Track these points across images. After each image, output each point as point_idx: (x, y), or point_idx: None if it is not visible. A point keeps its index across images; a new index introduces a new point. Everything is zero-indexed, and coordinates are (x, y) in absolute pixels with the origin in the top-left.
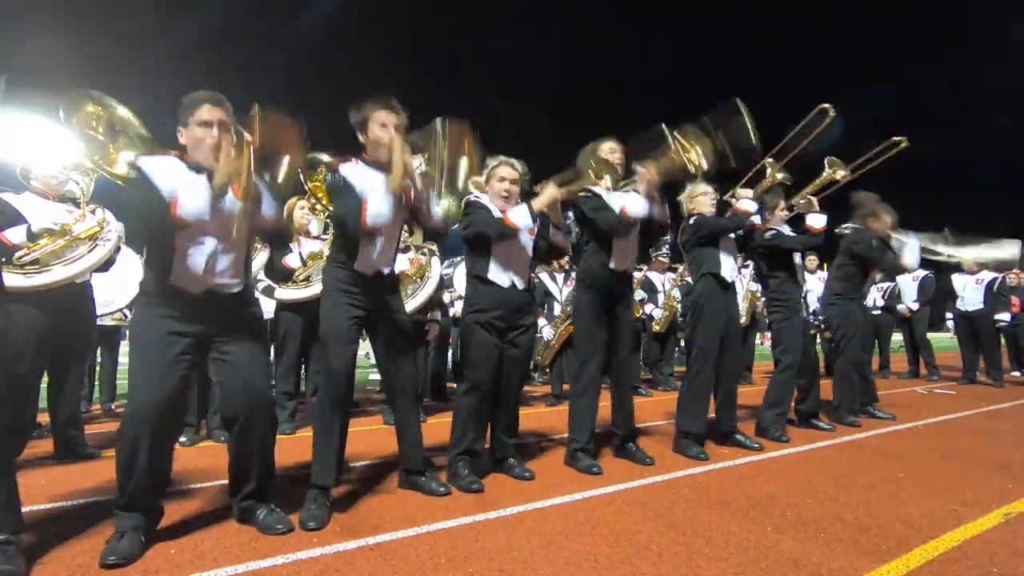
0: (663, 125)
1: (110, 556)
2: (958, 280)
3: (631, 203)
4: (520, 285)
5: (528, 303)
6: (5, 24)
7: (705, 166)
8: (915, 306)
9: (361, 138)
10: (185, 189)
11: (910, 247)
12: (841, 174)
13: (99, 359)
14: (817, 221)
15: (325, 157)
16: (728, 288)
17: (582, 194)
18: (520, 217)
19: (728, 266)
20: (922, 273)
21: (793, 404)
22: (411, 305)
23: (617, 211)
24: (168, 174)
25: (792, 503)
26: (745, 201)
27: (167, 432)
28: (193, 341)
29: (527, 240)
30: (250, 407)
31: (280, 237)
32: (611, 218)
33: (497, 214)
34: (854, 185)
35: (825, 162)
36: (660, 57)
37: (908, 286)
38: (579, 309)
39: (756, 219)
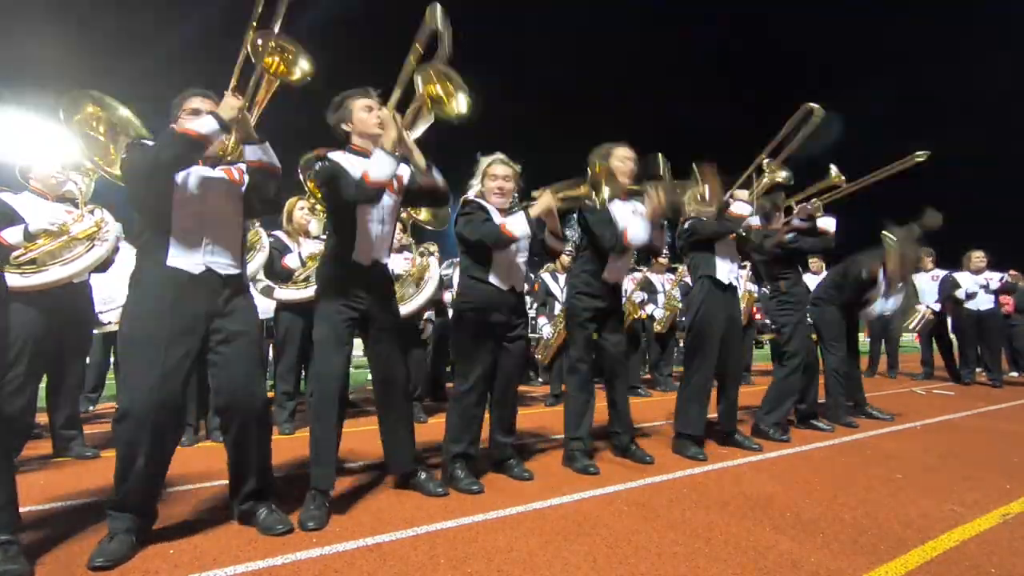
0: (693, 165)
1: (98, 558)
2: (964, 279)
3: (633, 229)
4: (517, 288)
5: (521, 304)
6: (5, 24)
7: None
8: (937, 307)
9: (346, 128)
10: None
11: (888, 301)
12: (841, 178)
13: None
14: (829, 224)
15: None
16: (727, 289)
17: (588, 202)
18: (518, 226)
19: (725, 269)
20: (942, 273)
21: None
22: (412, 307)
23: (619, 229)
24: None
25: (791, 503)
26: (740, 204)
27: (167, 435)
28: (192, 346)
29: (525, 246)
30: (243, 408)
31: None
32: (610, 238)
33: (496, 218)
34: (866, 191)
35: (831, 168)
36: (662, 57)
37: (928, 285)
38: (572, 312)
39: (754, 220)
